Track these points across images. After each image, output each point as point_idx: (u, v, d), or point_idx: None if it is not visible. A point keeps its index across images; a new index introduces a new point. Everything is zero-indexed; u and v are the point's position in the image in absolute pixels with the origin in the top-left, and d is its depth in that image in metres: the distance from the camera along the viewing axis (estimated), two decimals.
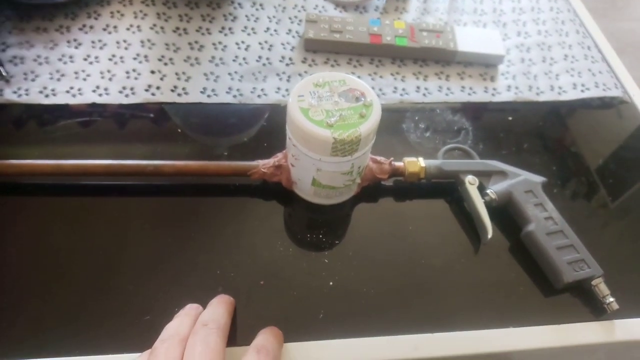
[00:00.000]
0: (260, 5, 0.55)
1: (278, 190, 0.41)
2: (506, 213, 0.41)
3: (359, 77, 0.50)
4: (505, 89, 0.52)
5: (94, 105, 0.45)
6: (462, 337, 0.35)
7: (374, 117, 0.34)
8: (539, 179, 0.42)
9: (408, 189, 0.42)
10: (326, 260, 0.38)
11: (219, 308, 0.33)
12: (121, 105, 0.45)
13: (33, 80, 0.46)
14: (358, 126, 0.33)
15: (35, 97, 0.45)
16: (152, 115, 0.45)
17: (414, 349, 0.34)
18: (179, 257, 0.37)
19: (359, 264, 0.38)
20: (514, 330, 0.36)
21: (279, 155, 0.40)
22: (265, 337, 0.32)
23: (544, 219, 0.39)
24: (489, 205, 0.40)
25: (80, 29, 0.50)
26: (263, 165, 0.39)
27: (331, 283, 0.37)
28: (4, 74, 0.46)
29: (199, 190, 0.41)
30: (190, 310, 0.33)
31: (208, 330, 0.30)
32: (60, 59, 0.47)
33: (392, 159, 0.41)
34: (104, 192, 0.40)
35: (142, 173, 0.39)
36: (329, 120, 0.33)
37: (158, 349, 0.29)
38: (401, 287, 0.37)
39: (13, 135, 0.43)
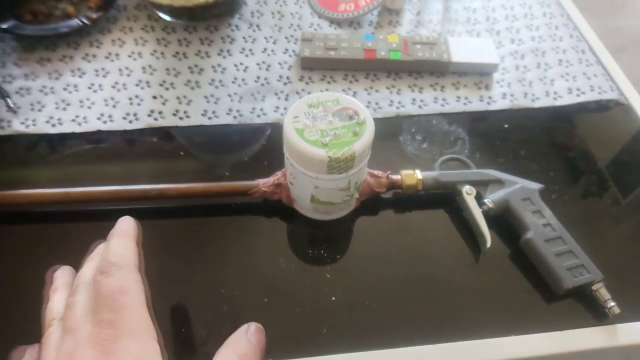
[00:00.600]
0: (257, 26, 0.56)
1: (279, 208, 0.41)
2: (504, 221, 0.41)
3: (354, 93, 0.51)
4: (500, 97, 0.52)
5: (99, 132, 0.46)
6: (465, 346, 0.36)
7: (368, 134, 0.35)
8: (536, 186, 0.42)
9: (407, 200, 0.43)
10: (328, 275, 0.39)
11: (115, 244, 0.28)
12: (126, 131, 0.47)
13: (40, 110, 0.47)
14: (352, 144, 0.34)
15: (42, 127, 0.46)
16: (155, 139, 0.47)
17: None
18: (184, 277, 0.38)
19: (360, 278, 0.39)
20: (517, 338, 0.36)
21: (279, 173, 0.41)
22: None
23: (542, 225, 0.39)
24: (486, 214, 0.40)
25: (83, 58, 0.52)
26: (263, 184, 0.40)
27: (333, 298, 0.37)
28: (11, 105, 0.47)
29: (203, 211, 0.42)
30: (62, 279, 0.30)
31: (107, 277, 0.26)
32: (65, 89, 0.49)
33: (389, 172, 0.42)
34: (110, 217, 0.41)
35: (146, 197, 0.40)
36: (324, 140, 0.34)
37: (47, 337, 0.27)
38: (403, 299, 0.38)
39: (23, 163, 0.45)
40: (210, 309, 0.36)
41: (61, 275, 0.31)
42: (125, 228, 0.30)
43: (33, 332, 0.28)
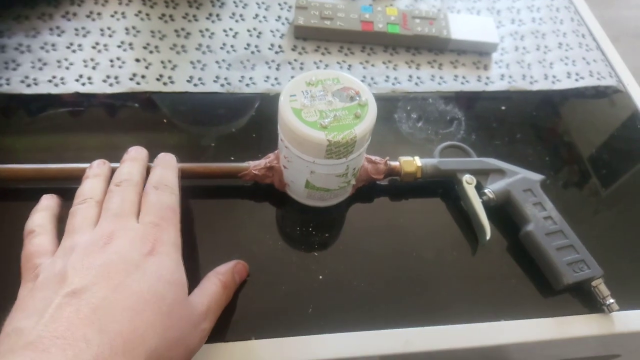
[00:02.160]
0: None
1: (270, 192, 0.39)
2: (504, 212, 0.40)
3: (350, 66, 0.49)
4: (498, 77, 0.51)
5: (79, 94, 0.44)
6: (453, 330, 0.35)
7: (370, 117, 0.32)
8: (537, 177, 0.41)
9: (404, 188, 0.41)
10: (316, 254, 0.37)
11: (168, 173, 0.33)
12: (106, 95, 0.44)
13: (14, 69, 0.44)
14: (353, 127, 0.32)
15: (16, 86, 0.43)
16: (137, 104, 0.44)
17: (404, 343, 0.34)
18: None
19: (350, 261, 0.37)
20: (506, 323, 0.35)
21: (271, 156, 0.38)
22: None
23: (542, 218, 0.38)
24: (487, 205, 0.39)
25: (63, 16, 0.48)
26: (254, 166, 0.38)
27: (321, 277, 0.36)
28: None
29: (189, 193, 0.39)
30: (99, 169, 0.34)
31: (160, 192, 0.31)
32: (42, 47, 0.46)
33: (387, 158, 0.40)
34: None
35: None
36: (323, 122, 0.31)
37: (76, 211, 0.30)
38: (393, 284, 0.37)
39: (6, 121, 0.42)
40: (193, 284, 0.34)
41: (98, 166, 0.34)
42: (174, 164, 0.35)
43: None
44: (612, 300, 0.36)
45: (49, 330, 0.24)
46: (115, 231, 0.28)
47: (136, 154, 0.35)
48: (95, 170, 0.34)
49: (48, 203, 0.33)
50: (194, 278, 0.31)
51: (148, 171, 0.34)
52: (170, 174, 0.33)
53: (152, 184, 0.32)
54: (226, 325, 0.33)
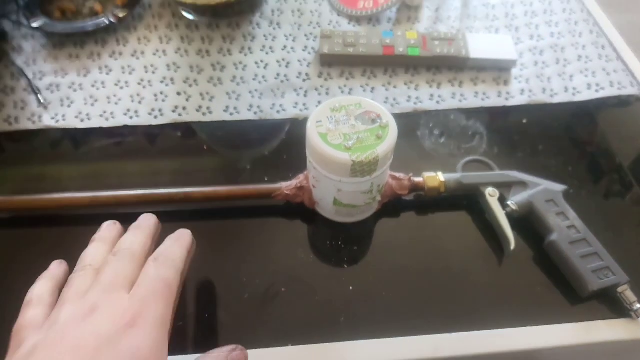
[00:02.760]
0: (277, 24, 0.57)
1: (301, 210, 0.42)
2: (527, 223, 0.41)
3: (373, 88, 0.52)
4: (519, 92, 0.53)
5: (124, 128, 0.48)
6: (482, 336, 0.36)
7: (391, 137, 0.35)
8: (559, 187, 0.42)
9: (428, 203, 0.43)
10: (346, 266, 0.40)
11: (175, 247, 0.32)
12: (152, 127, 0.48)
13: (69, 106, 0.49)
14: (375, 147, 0.34)
15: (71, 122, 0.48)
16: (180, 134, 0.48)
17: (433, 349, 0.36)
18: (208, 272, 0.39)
19: (379, 272, 0.39)
20: (533, 328, 0.37)
21: (301, 176, 0.41)
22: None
23: (566, 227, 0.39)
24: (510, 217, 0.40)
25: (110, 56, 0.53)
26: (286, 187, 0.41)
27: (351, 288, 0.38)
28: (42, 101, 0.49)
29: (226, 213, 0.43)
30: (107, 232, 0.33)
31: (158, 264, 0.30)
32: (93, 85, 0.51)
33: (411, 174, 0.42)
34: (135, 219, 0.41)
35: (172, 201, 0.41)
36: (347, 144, 0.34)
37: (72, 279, 0.29)
38: (421, 293, 0.38)
39: (51, 157, 0.46)
40: (231, 296, 0.37)
41: (107, 228, 0.34)
42: (187, 240, 0.33)
43: None
44: (639, 306, 0.36)
45: None
46: (98, 304, 0.27)
47: (142, 222, 0.34)
48: (103, 234, 0.34)
49: (55, 272, 0.33)
50: (234, 293, 0.33)
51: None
52: (177, 249, 0.32)
53: (154, 256, 0.30)
54: (266, 332, 0.36)
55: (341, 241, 0.41)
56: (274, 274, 0.39)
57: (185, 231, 0.34)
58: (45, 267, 0.33)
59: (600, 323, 0.37)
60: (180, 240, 0.33)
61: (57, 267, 0.33)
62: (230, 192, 0.41)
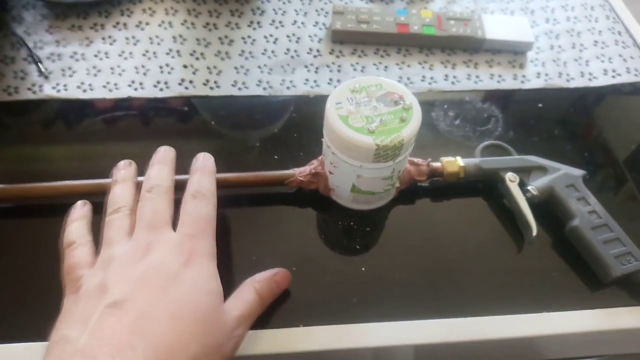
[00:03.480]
0: None
1: (314, 198, 0.40)
2: (546, 208, 0.40)
3: (386, 67, 0.51)
4: (534, 76, 0.51)
5: (127, 99, 0.46)
6: (499, 320, 0.35)
7: (415, 120, 0.33)
8: (579, 172, 0.41)
9: (445, 189, 0.42)
10: (358, 247, 0.38)
11: (206, 180, 0.34)
12: (154, 99, 0.46)
13: (71, 76, 0.47)
14: (400, 131, 0.32)
15: (73, 92, 0.46)
16: (186, 108, 0.46)
17: (448, 332, 0.35)
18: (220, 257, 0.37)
19: (394, 255, 0.38)
20: (550, 314, 0.36)
21: (315, 162, 0.39)
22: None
23: (587, 213, 0.38)
24: (530, 202, 0.39)
25: (114, 27, 0.51)
26: (300, 173, 0.39)
27: (363, 269, 0.37)
28: (42, 70, 0.47)
29: (236, 201, 0.40)
30: (126, 172, 0.35)
31: (197, 202, 0.32)
32: (96, 55, 0.49)
33: (429, 159, 0.40)
34: None
35: (183, 187, 0.37)
36: (370, 127, 0.32)
37: (111, 222, 0.31)
38: (437, 278, 0.37)
39: (49, 131, 0.45)
40: (241, 275, 0.36)
41: (125, 168, 0.35)
42: (211, 166, 0.35)
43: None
44: None
45: (94, 338, 0.25)
46: (151, 242, 0.29)
47: (164, 156, 0.35)
48: (123, 174, 0.35)
49: (82, 211, 0.34)
50: (240, 282, 0.32)
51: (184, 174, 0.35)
52: (208, 181, 0.34)
53: (190, 192, 0.32)
54: (277, 313, 0.34)
55: (356, 228, 0.39)
56: (286, 256, 0.37)
57: (208, 159, 0.36)
58: (39, 257, 0.34)
59: (619, 310, 0.36)
60: (208, 170, 0.35)
61: (83, 207, 0.34)
62: (241, 179, 0.39)
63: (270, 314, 0.33)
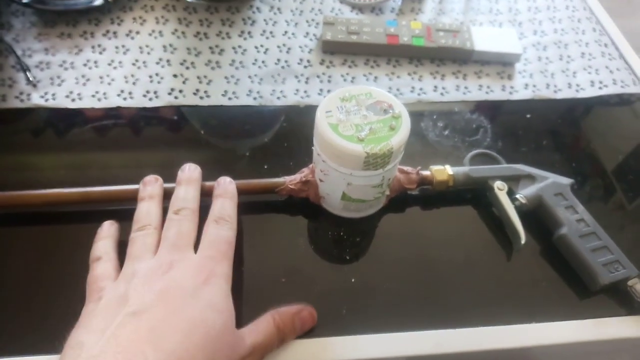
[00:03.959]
0: (278, 9, 0.56)
1: (304, 206, 0.40)
2: (535, 217, 0.40)
3: (375, 77, 0.51)
4: (522, 87, 0.52)
5: (116, 108, 0.46)
6: (485, 332, 0.35)
7: (404, 128, 0.33)
8: (567, 180, 0.41)
9: (434, 197, 0.42)
10: (347, 257, 0.38)
11: (228, 206, 0.35)
12: (145, 109, 0.46)
13: (59, 85, 0.47)
14: (389, 139, 0.33)
15: (62, 101, 0.46)
16: (175, 117, 0.46)
17: (435, 345, 0.35)
18: None
19: (383, 266, 0.38)
20: (538, 325, 0.36)
21: (305, 170, 0.39)
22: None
23: (575, 221, 0.39)
24: (519, 210, 0.39)
25: (104, 35, 0.51)
26: (290, 181, 0.39)
27: (353, 280, 0.37)
28: (31, 79, 0.47)
29: None
30: (153, 189, 0.36)
31: (219, 227, 0.34)
32: (85, 64, 0.49)
33: (419, 168, 0.41)
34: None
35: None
36: (360, 135, 0.33)
37: (136, 238, 0.33)
38: (426, 288, 0.37)
39: (37, 139, 0.44)
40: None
41: (151, 184, 0.37)
42: (234, 193, 0.37)
43: None
44: None
45: (110, 345, 0.26)
46: (174, 261, 0.31)
47: (191, 175, 0.37)
48: (150, 191, 0.36)
49: (110, 230, 0.36)
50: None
51: (206, 191, 0.37)
52: (231, 206, 0.35)
53: (214, 218, 0.34)
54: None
55: (346, 237, 0.39)
56: (275, 266, 0.37)
57: (230, 183, 0.37)
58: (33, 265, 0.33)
59: (607, 320, 0.36)
60: (229, 196, 0.36)
61: (111, 227, 0.36)
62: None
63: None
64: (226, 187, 0.37)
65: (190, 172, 0.37)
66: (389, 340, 0.34)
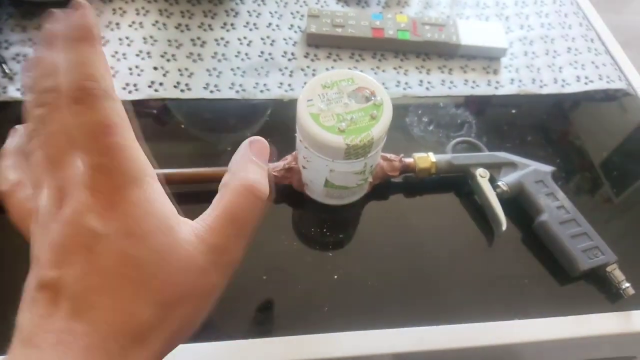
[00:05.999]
0: (262, 0, 0.55)
1: (288, 193, 0.40)
2: (516, 204, 0.41)
3: (361, 72, 0.50)
4: (508, 82, 0.51)
5: None
6: (469, 329, 0.35)
7: (385, 117, 0.33)
8: (548, 168, 0.42)
9: (417, 185, 0.42)
10: (330, 254, 0.38)
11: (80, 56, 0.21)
12: (124, 102, 0.45)
13: None
14: (370, 129, 0.32)
15: None
16: (155, 111, 0.45)
17: (418, 341, 0.34)
18: None
19: (365, 259, 0.38)
20: (521, 322, 0.36)
21: (289, 157, 0.39)
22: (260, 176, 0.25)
23: (556, 208, 0.39)
24: (500, 197, 0.40)
25: None
26: (273, 168, 0.39)
27: (336, 277, 0.37)
28: (7, 71, 0.46)
29: (206, 197, 0.39)
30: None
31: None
32: None
33: (402, 155, 0.41)
34: None
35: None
36: (341, 126, 0.32)
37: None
38: (409, 281, 0.37)
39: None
40: None
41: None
42: (86, 28, 0.21)
43: None
44: (627, 285, 0.36)
45: (34, 324, 0.21)
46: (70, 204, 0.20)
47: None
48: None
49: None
50: None
51: None
52: (92, 62, 0.21)
53: (69, 96, 0.20)
54: (244, 322, 0.34)
55: (329, 226, 0.39)
56: (256, 261, 0.37)
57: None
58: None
59: (589, 317, 0.36)
60: (86, 40, 0.21)
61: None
62: (213, 174, 0.38)
63: (238, 324, 0.33)
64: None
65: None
66: (371, 337, 0.34)
